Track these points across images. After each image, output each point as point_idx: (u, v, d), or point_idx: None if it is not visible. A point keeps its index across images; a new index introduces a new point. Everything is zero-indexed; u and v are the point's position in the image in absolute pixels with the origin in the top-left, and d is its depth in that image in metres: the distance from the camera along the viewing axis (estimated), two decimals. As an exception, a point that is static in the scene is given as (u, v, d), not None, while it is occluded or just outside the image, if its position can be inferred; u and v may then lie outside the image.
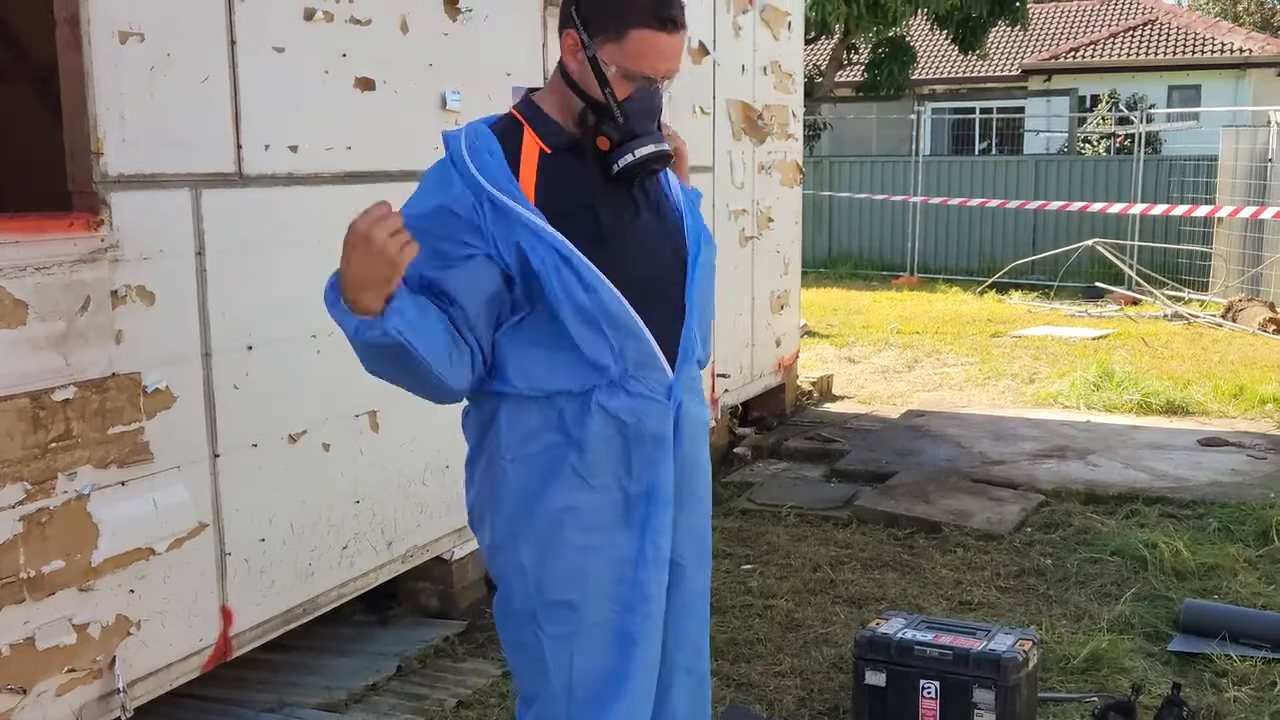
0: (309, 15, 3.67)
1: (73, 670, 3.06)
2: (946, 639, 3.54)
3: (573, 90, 2.29)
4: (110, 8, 3.05)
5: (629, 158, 2.28)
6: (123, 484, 3.16)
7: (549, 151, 2.29)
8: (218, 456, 3.46)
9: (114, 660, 3.16)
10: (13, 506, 2.88)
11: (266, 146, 3.56)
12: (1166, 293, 13.63)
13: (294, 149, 3.66)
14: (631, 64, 2.23)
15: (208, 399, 3.42)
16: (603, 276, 2.25)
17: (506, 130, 2.31)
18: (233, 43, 3.41)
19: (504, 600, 2.42)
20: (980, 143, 25.06)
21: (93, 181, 3.05)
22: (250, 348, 3.55)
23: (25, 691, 2.94)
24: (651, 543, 2.36)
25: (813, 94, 21.83)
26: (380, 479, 4.08)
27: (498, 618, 2.46)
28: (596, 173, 2.30)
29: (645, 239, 2.37)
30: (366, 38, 3.91)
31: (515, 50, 4.72)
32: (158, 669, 3.31)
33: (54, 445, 2.97)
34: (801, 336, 9.29)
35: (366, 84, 3.92)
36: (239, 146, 3.47)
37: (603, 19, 2.21)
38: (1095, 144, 22.32)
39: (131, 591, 3.19)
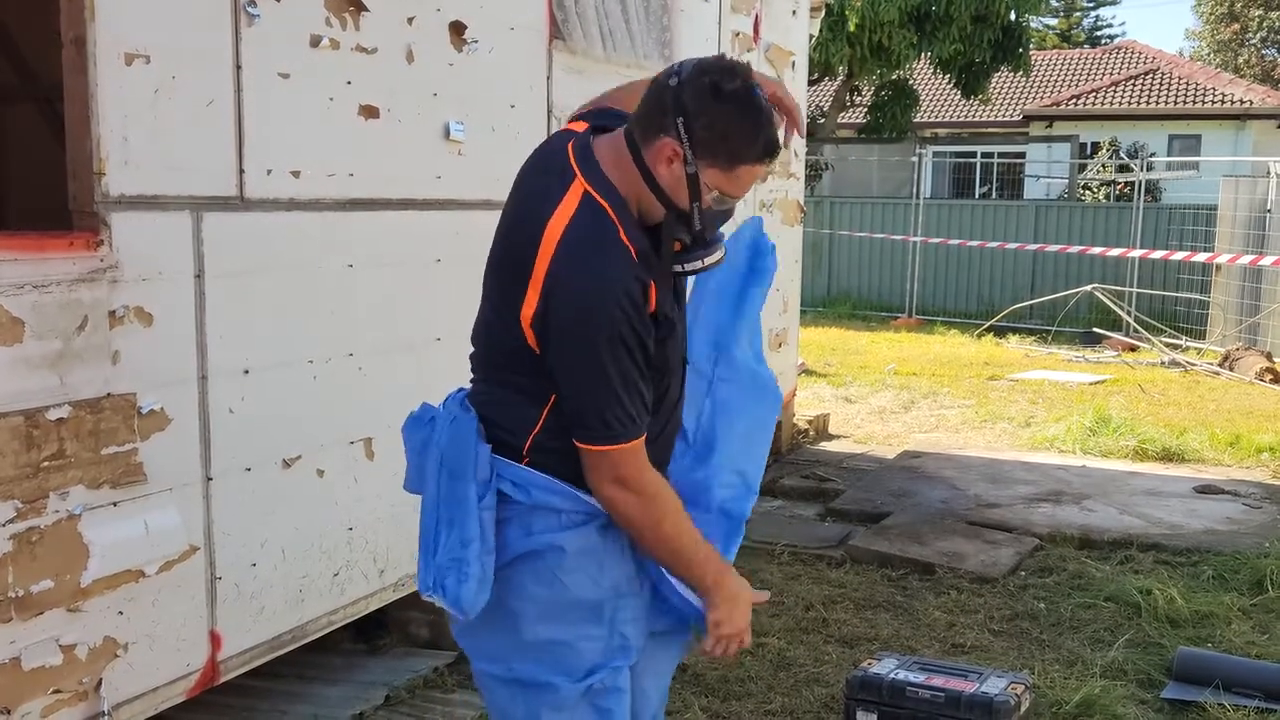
0: (315, 42, 3.69)
1: (58, 691, 3.03)
2: (938, 681, 3.52)
3: (654, 192, 2.24)
4: (117, 30, 3.06)
5: (698, 264, 2.32)
6: (114, 505, 3.14)
7: (634, 254, 2.24)
8: (211, 480, 3.45)
9: (100, 682, 3.13)
10: (3, 525, 2.86)
11: (269, 171, 3.57)
12: (1164, 340, 13.65)
13: (296, 174, 3.67)
14: (733, 190, 2.24)
15: (203, 422, 3.41)
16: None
17: (602, 221, 2.25)
18: (238, 67, 3.43)
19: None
20: (981, 187, 25.16)
21: (94, 201, 3.05)
22: (247, 372, 3.54)
23: (9, 712, 2.91)
24: (619, 632, 2.38)
25: (815, 135, 21.94)
26: (374, 507, 4.06)
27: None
28: (658, 264, 2.28)
29: (679, 333, 2.43)
30: (372, 66, 3.92)
31: (520, 82, 4.74)
32: (144, 692, 3.28)
33: (46, 464, 2.96)
34: (799, 375, 9.30)
35: (370, 112, 3.93)
36: (241, 170, 3.48)
37: (715, 148, 2.18)
38: (1095, 191, 22.41)
39: (120, 613, 3.17)
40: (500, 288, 2.33)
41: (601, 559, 2.34)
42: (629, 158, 2.24)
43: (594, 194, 2.23)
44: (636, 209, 2.26)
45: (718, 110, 2.15)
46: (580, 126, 2.39)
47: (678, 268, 2.31)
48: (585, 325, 2.18)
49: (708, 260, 2.33)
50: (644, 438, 2.25)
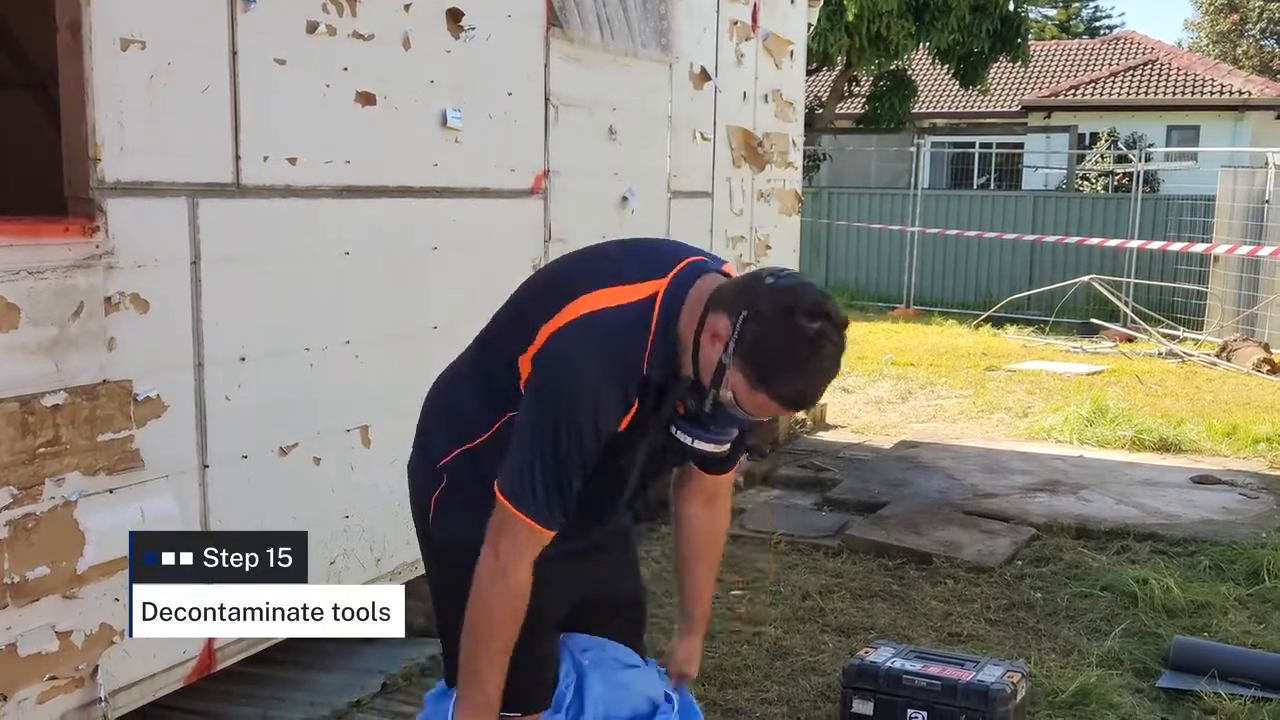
0: (311, 28, 3.67)
1: (54, 678, 3.03)
2: (935, 669, 3.52)
3: (692, 351, 2.21)
4: (112, 15, 3.05)
5: (687, 439, 2.30)
6: (110, 492, 3.14)
7: (643, 373, 2.24)
8: (207, 467, 3.45)
9: (96, 669, 3.13)
10: (-1, 511, 2.87)
11: (265, 158, 3.56)
12: (1162, 331, 13.65)
13: (292, 161, 3.66)
14: (747, 406, 2.18)
15: (199, 409, 3.40)
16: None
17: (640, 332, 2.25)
18: (234, 53, 3.42)
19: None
20: (979, 178, 25.14)
21: (89, 187, 3.04)
22: (243, 359, 3.54)
23: (5, 698, 2.91)
24: None
25: (813, 125, 21.89)
26: (370, 495, 4.06)
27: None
28: (652, 403, 2.28)
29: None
30: (368, 53, 3.91)
31: (517, 70, 4.73)
32: (140, 679, 3.28)
33: (42, 451, 2.95)
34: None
35: (367, 99, 3.92)
36: (237, 157, 3.47)
37: (753, 359, 2.12)
38: (1094, 182, 22.40)
39: (116, 600, 3.16)
40: (536, 298, 2.34)
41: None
42: (700, 311, 2.21)
43: (657, 307, 2.22)
44: (680, 352, 2.24)
45: (778, 330, 2.09)
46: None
47: (671, 427, 2.30)
48: (557, 388, 2.19)
49: (699, 443, 2.32)
50: (546, 535, 2.25)
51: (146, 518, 3.24)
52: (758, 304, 2.11)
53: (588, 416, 2.19)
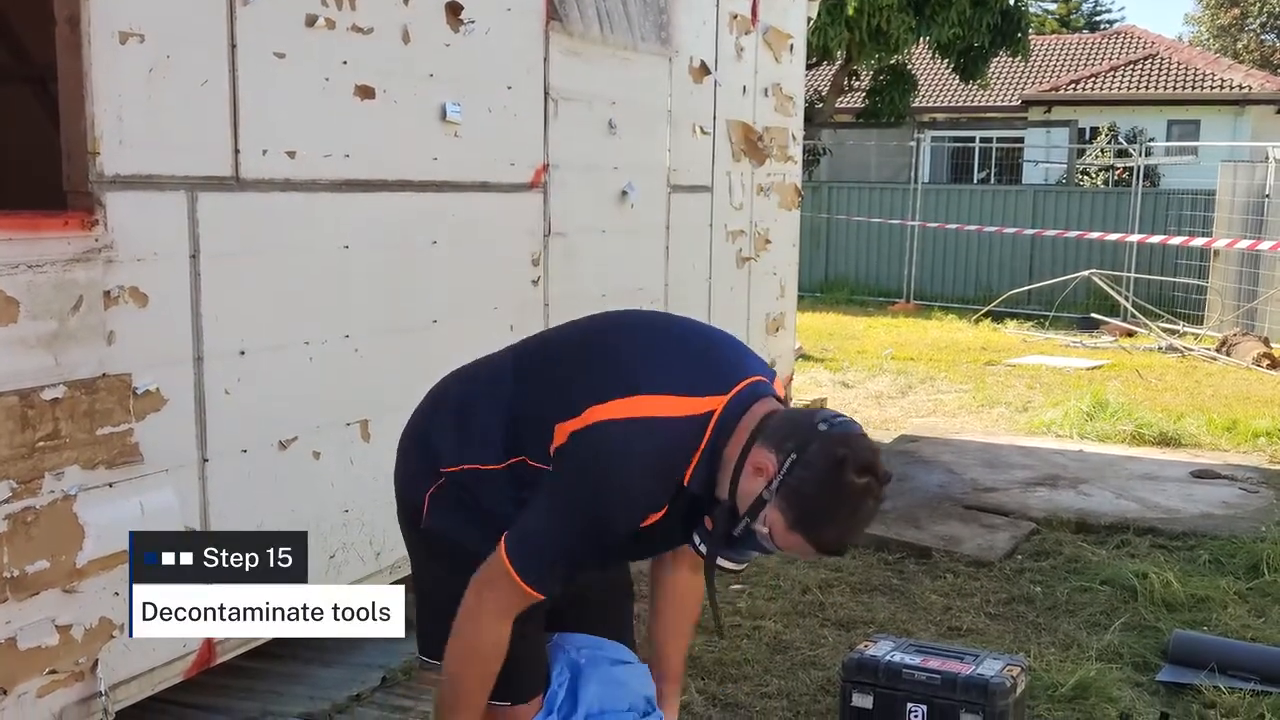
0: (310, 22, 3.67)
1: (54, 672, 3.03)
2: (934, 663, 3.52)
3: (732, 475, 2.21)
4: (111, 9, 3.04)
5: (711, 553, 2.31)
6: (110, 486, 3.14)
7: (683, 485, 2.24)
8: (207, 461, 3.44)
9: (96, 663, 3.13)
10: (-2, 505, 2.86)
11: (264, 151, 3.55)
12: (1162, 325, 13.65)
13: (292, 155, 3.65)
14: (780, 542, 2.20)
15: (198, 403, 3.40)
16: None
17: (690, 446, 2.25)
18: (233, 47, 3.41)
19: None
20: (979, 172, 25.12)
21: (88, 181, 3.04)
22: (243, 353, 3.54)
23: (5, 692, 2.91)
24: None
25: (813, 119, 21.87)
26: (370, 489, 4.05)
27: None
28: (681, 510, 2.30)
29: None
30: (368, 46, 3.90)
31: (516, 63, 4.72)
32: (140, 673, 3.28)
33: (42, 444, 2.95)
34: (796, 360, 9.29)
35: (366, 92, 3.92)
36: (236, 151, 3.46)
37: (794, 502, 2.13)
38: (1094, 176, 22.39)
39: (116, 594, 3.16)
40: (588, 369, 2.32)
41: None
42: (748, 437, 2.21)
43: (711, 426, 2.21)
44: (720, 472, 2.24)
45: (826, 482, 2.11)
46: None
47: (695, 536, 2.32)
48: (598, 482, 2.18)
49: (721, 560, 2.33)
50: (535, 599, 2.27)
51: (146, 512, 3.24)
52: (809, 450, 2.12)
53: (618, 516, 2.22)
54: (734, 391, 2.24)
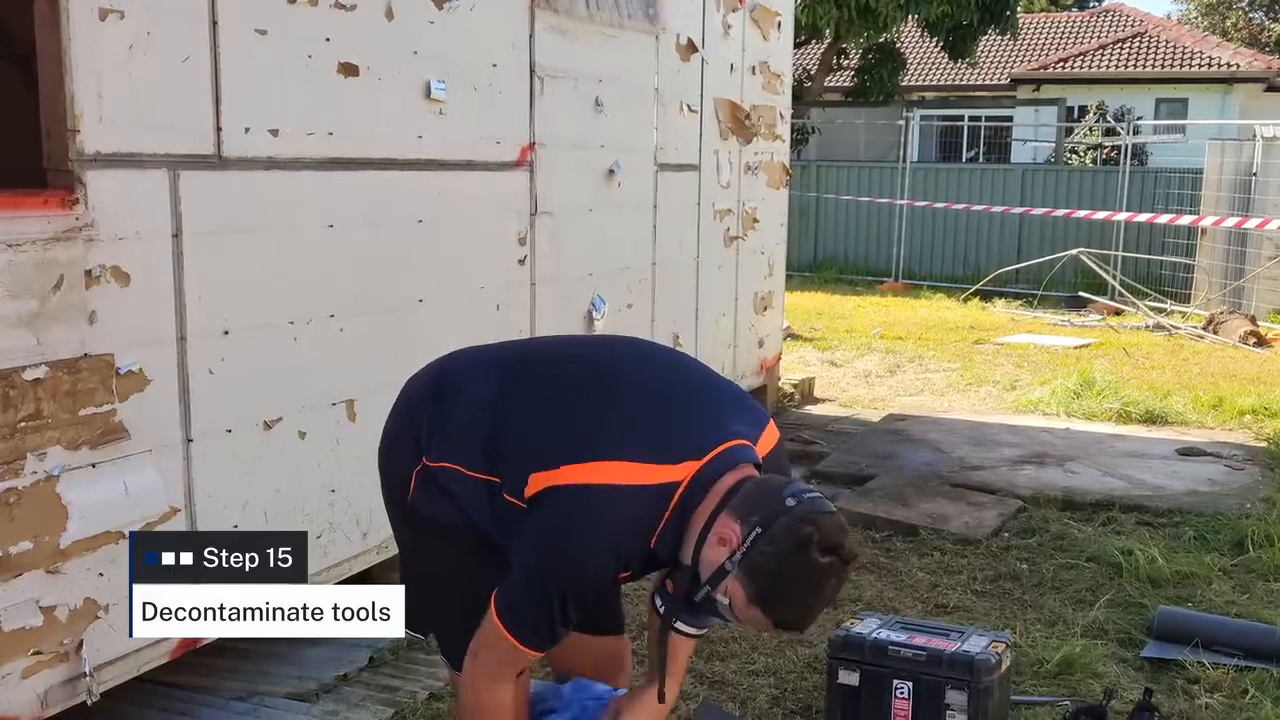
0: (293, -1, 3.64)
1: (39, 653, 3.02)
2: (920, 640, 3.53)
3: (695, 542, 2.21)
4: (91, -16, 3.02)
5: (669, 616, 2.35)
6: (93, 466, 3.13)
7: (649, 548, 2.25)
8: (191, 441, 3.43)
9: (81, 644, 3.13)
10: (-20, 486, 2.85)
11: (246, 129, 3.53)
12: (1149, 304, 13.67)
13: (275, 133, 3.63)
14: (739, 613, 2.19)
15: (182, 383, 3.39)
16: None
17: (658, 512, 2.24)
18: (214, 23, 3.38)
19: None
20: (968, 151, 25.10)
21: (68, 159, 3.02)
22: (227, 332, 3.52)
23: (-11, 673, 2.90)
24: None
25: (801, 98, 21.77)
26: (356, 469, 4.04)
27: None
28: (641, 569, 2.33)
29: None
30: (351, 23, 3.88)
31: (501, 40, 4.70)
32: (126, 654, 3.27)
33: (23, 425, 2.94)
34: (785, 339, 9.29)
35: (350, 70, 3.89)
36: (219, 128, 3.44)
37: (756, 576, 2.12)
38: (1082, 155, 22.38)
39: (100, 575, 3.16)
40: (567, 421, 2.30)
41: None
42: (716, 505, 2.20)
43: (680, 492, 2.21)
44: (685, 537, 2.23)
45: (789, 560, 2.10)
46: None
47: (656, 599, 2.35)
48: (566, 546, 2.19)
49: (678, 623, 2.36)
50: (531, 656, 2.30)
51: (130, 492, 3.23)
52: (774, 526, 2.11)
53: (588, 576, 2.23)
54: (707, 458, 2.23)
